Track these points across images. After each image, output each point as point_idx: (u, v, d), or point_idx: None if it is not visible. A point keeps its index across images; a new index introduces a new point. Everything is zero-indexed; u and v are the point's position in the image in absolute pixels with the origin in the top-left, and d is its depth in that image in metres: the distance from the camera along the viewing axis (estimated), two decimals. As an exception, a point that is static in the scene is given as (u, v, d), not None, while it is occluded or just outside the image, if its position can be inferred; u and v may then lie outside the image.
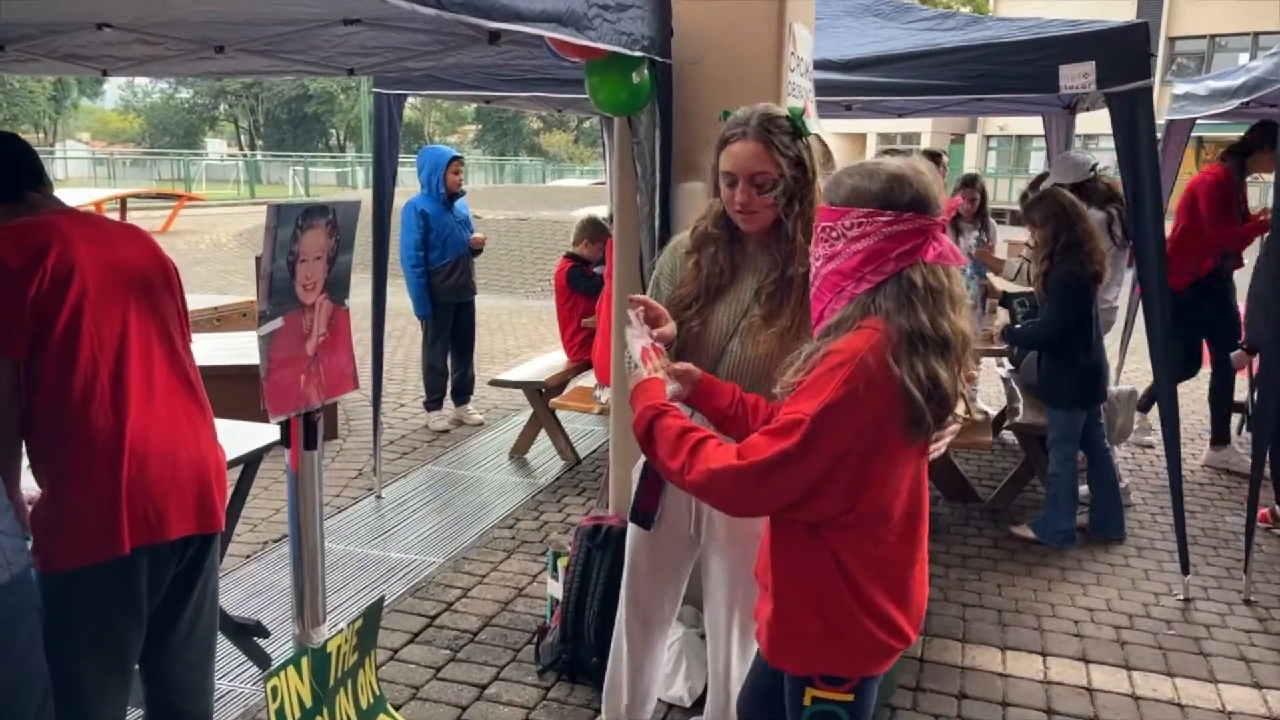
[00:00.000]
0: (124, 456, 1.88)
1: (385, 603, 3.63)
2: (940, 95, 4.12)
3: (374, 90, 4.31)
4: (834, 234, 1.60)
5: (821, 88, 3.58)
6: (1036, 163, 35.80)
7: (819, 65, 3.58)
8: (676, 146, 3.04)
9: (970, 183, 5.91)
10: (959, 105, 6.22)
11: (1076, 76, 3.68)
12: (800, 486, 1.53)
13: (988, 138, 36.44)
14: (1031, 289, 4.30)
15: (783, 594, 1.68)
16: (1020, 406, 4.62)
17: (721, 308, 2.17)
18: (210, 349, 5.64)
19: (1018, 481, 4.71)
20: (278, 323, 2.13)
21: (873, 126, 29.52)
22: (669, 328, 2.01)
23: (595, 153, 48.06)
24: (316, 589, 2.38)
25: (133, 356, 1.92)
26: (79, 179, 30.82)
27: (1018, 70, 3.75)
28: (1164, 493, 4.97)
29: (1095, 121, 8.07)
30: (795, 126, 2.07)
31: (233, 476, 3.05)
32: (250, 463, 2.97)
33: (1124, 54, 3.57)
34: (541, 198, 21.03)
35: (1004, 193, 29.88)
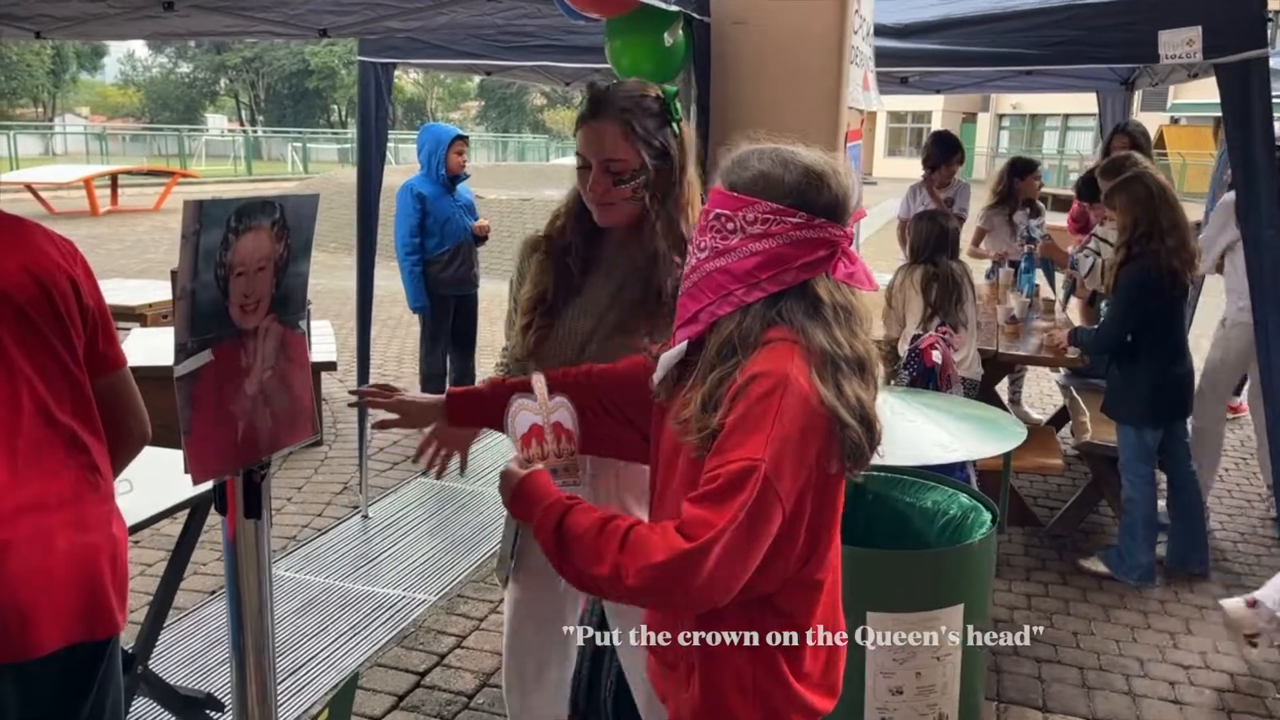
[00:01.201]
0: None
1: (368, 653, 3.15)
2: (1014, 65, 3.57)
3: (359, 58, 3.78)
4: (730, 226, 1.33)
5: (875, 57, 3.05)
6: (1050, 142, 35.08)
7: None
8: (715, 125, 2.52)
9: (1031, 169, 5.34)
10: (1006, 79, 5.69)
11: (1179, 44, 3.13)
12: (762, 554, 1.24)
13: (1000, 116, 35.68)
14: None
15: (712, 679, 1.38)
16: (1087, 420, 4.10)
17: (573, 312, 1.89)
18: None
19: (1083, 505, 4.19)
20: (204, 357, 1.60)
21: (884, 102, 28.80)
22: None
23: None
24: (266, 692, 1.87)
25: None
26: (77, 154, 30.29)
27: (1108, 37, 3.20)
28: (1242, 516, 4.46)
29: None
30: (666, 109, 1.80)
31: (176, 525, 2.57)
32: (198, 507, 2.46)
33: (1235, 18, 3.02)
34: (545, 176, 20.45)
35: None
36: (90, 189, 16.90)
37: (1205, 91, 8.90)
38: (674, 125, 1.80)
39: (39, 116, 45.54)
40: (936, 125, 36.46)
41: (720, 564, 1.18)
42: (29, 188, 16.77)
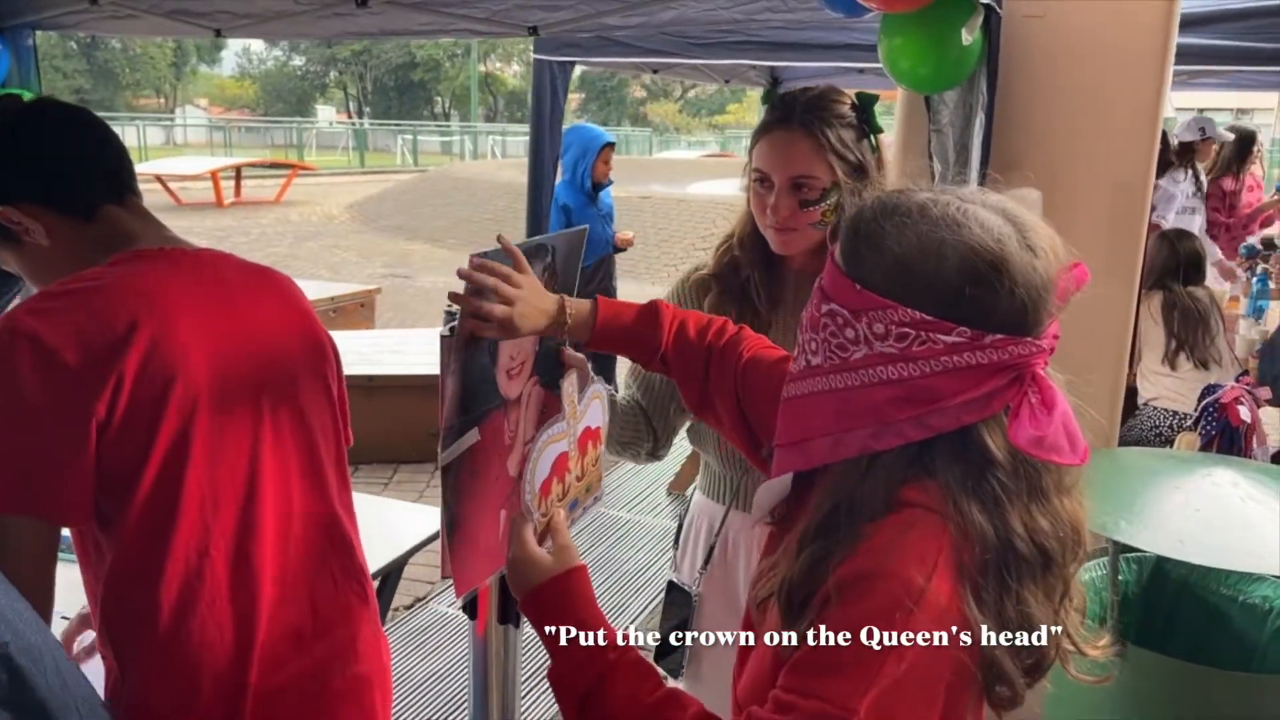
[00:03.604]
0: (245, 704, 1.10)
1: (549, 713, 2.87)
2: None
3: (535, 56, 3.50)
4: (850, 333, 0.86)
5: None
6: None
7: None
8: (998, 135, 2.13)
9: None
10: (1207, 77, 5.09)
11: None
12: None
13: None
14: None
15: None
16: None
17: None
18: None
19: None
20: (471, 438, 1.30)
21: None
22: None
23: (704, 123, 47.00)
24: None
25: (265, 513, 1.14)
26: (198, 145, 31.40)
27: None
28: None
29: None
30: (865, 119, 1.55)
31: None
32: (389, 576, 2.17)
33: None
34: (651, 171, 20.18)
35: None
36: (216, 181, 17.31)
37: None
38: (872, 138, 1.57)
39: (160, 108, 47.54)
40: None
41: None
42: (159, 179, 17.26)
